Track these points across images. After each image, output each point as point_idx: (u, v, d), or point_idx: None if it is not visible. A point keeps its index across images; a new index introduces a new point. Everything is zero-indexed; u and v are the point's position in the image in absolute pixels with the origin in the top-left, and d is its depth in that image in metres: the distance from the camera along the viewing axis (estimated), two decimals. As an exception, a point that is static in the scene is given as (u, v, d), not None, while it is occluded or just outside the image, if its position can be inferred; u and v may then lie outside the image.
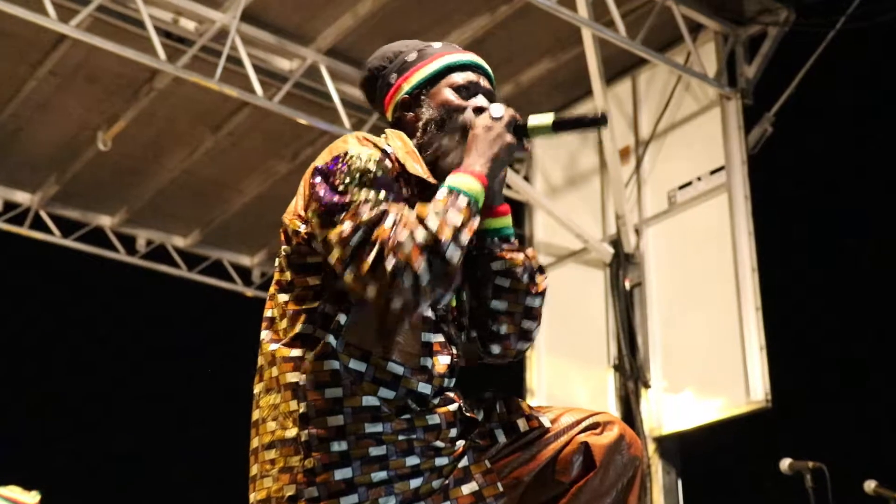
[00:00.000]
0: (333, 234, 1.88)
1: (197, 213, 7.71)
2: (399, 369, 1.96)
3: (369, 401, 1.92)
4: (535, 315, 2.13)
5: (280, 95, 6.05)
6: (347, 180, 1.92)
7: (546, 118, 2.05)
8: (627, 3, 5.88)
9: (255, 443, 2.01)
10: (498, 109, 2.04)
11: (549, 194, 6.77)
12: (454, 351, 2.05)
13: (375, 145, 2.00)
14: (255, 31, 5.98)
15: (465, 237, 1.89)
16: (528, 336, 2.13)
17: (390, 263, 1.82)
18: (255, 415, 2.02)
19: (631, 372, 5.94)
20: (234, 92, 5.78)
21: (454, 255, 1.86)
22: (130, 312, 8.40)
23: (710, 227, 5.88)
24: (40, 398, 7.85)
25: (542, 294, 2.13)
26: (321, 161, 1.98)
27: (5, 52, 6.13)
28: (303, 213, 1.99)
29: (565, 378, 6.44)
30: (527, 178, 6.89)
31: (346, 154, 1.96)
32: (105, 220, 7.67)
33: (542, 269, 2.16)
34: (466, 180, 1.95)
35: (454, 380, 2.06)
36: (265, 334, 2.02)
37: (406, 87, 2.15)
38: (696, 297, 5.88)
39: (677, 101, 6.26)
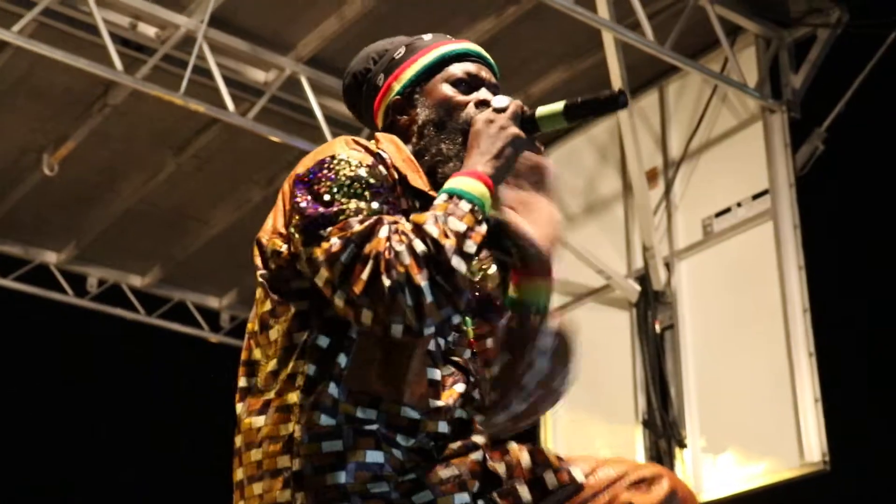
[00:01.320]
0: (320, 252, 1.82)
1: (157, 248, 7.65)
2: (414, 413, 1.90)
3: (374, 456, 1.85)
4: None
5: (254, 111, 6.01)
6: (335, 189, 1.87)
7: (556, 106, 2.01)
8: (655, 3, 5.79)
9: None
10: (501, 100, 2.00)
11: (565, 224, 6.56)
12: (470, 379, 2.00)
13: (367, 149, 1.96)
14: (226, 38, 5.89)
15: (471, 246, 1.83)
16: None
17: (388, 280, 1.77)
18: (238, 474, 1.94)
19: (663, 429, 5.85)
20: (202, 107, 5.71)
21: (460, 266, 1.80)
22: (80, 362, 8.24)
23: (753, 260, 5.79)
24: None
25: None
26: (303, 168, 1.94)
27: (-66, 63, 6.02)
28: (283, 230, 1.94)
29: (586, 436, 6.31)
30: (537, 206, 6.72)
31: (332, 158, 1.91)
32: (51, 257, 7.59)
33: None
34: (468, 182, 1.89)
35: (473, 413, 2.00)
36: (244, 381, 1.96)
37: (396, 86, 2.12)
38: (738, 342, 5.78)
39: (713, 114, 6.19)
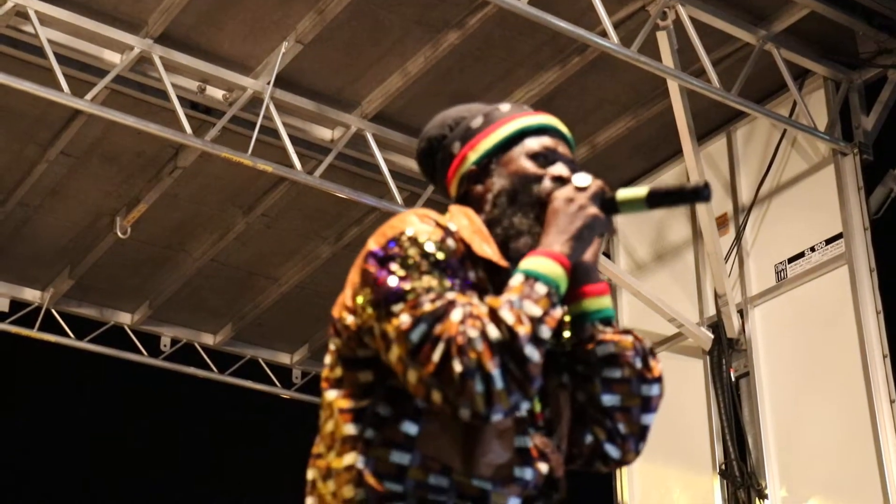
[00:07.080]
0: (391, 328, 1.83)
1: (228, 307, 7.69)
2: (487, 485, 1.87)
3: None
4: (654, 406, 2.06)
5: (321, 168, 6.01)
6: (406, 265, 1.87)
7: (639, 191, 2.01)
8: (720, 49, 5.78)
9: None
10: (583, 179, 2.00)
11: (635, 272, 6.61)
12: (553, 456, 1.97)
13: (437, 223, 1.96)
14: (292, 98, 5.96)
15: (546, 332, 1.83)
16: (647, 434, 2.06)
17: (459, 366, 1.76)
18: None
19: (741, 479, 5.75)
20: (270, 167, 5.74)
21: (533, 354, 1.80)
22: (155, 420, 8.38)
23: (829, 305, 5.70)
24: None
25: (659, 380, 2.07)
26: (375, 244, 1.94)
27: (12, 131, 6.15)
28: (349, 303, 1.95)
29: (662, 488, 6.22)
30: (608, 255, 6.71)
31: (402, 234, 1.92)
32: (125, 318, 7.68)
33: (653, 352, 2.09)
34: (544, 263, 1.90)
35: (556, 494, 1.96)
36: (317, 440, 1.98)
37: (473, 156, 2.11)
38: (817, 389, 5.67)
39: (782, 159, 6.12)
